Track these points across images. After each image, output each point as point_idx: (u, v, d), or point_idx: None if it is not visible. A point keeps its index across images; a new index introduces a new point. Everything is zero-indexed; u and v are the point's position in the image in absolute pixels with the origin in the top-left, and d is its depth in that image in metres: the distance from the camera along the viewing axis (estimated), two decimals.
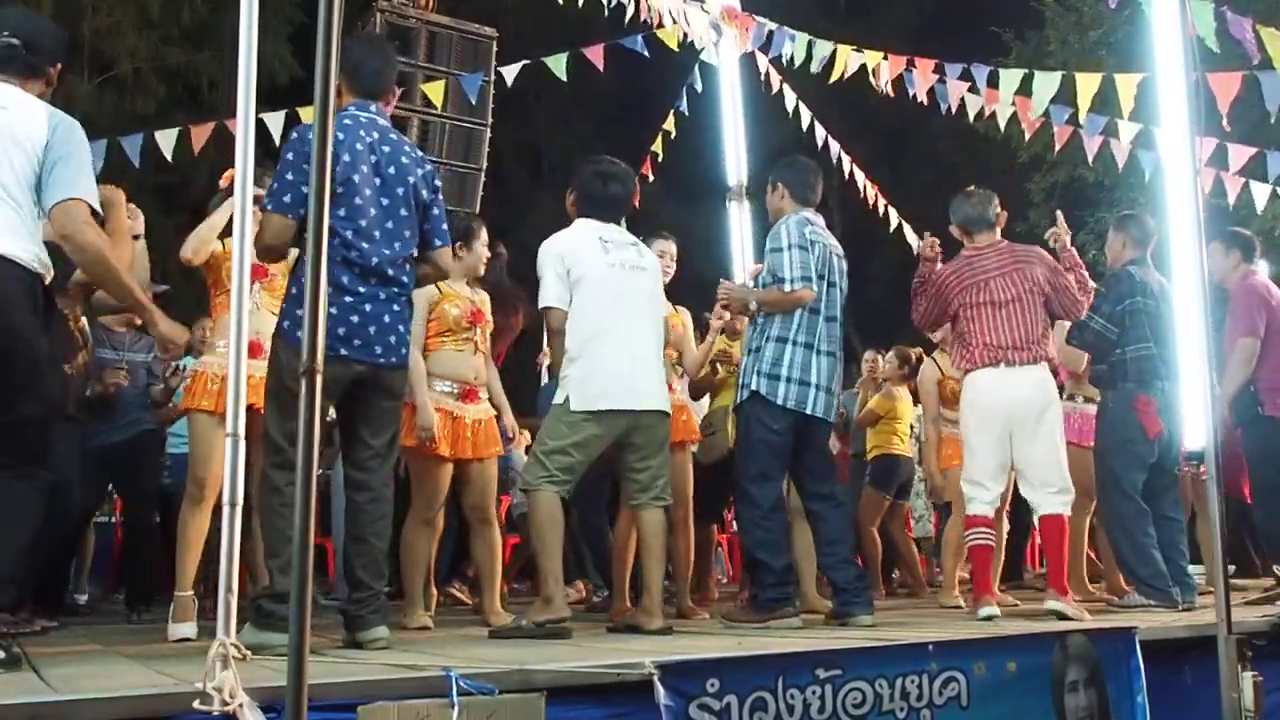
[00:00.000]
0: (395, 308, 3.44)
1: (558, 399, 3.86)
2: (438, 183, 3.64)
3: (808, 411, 4.14)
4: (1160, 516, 4.69)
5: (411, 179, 3.47)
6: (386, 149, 3.44)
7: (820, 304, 4.23)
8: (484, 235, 4.56)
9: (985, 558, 4.43)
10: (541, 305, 3.94)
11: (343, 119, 3.38)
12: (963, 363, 4.50)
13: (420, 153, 3.64)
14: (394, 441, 3.55)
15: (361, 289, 3.35)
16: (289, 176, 3.26)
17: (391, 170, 3.43)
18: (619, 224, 4.14)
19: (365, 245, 3.34)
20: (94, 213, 2.95)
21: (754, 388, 4.17)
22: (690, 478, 4.84)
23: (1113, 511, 4.68)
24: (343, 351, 3.27)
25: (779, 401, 4.12)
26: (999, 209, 4.66)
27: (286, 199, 3.25)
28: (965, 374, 4.50)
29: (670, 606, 4.75)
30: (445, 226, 3.64)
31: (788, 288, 4.15)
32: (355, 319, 3.33)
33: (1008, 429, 4.37)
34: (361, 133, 3.39)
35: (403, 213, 3.44)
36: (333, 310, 3.22)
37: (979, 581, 4.43)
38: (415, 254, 3.53)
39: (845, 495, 4.37)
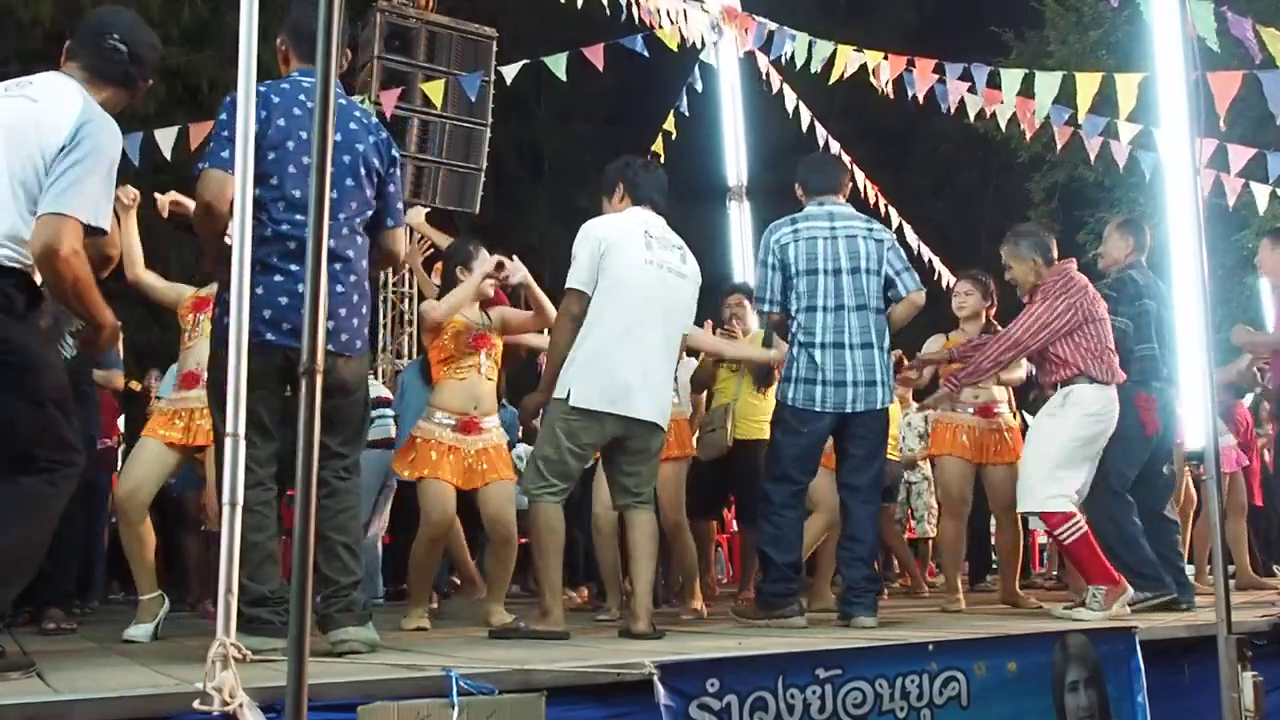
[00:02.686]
0: (338, 287, 3.13)
1: (558, 393, 3.71)
2: (395, 154, 3.36)
3: (847, 411, 4.12)
4: (1158, 518, 4.69)
5: (360, 145, 3.22)
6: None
7: (831, 298, 4.15)
8: (484, 255, 4.33)
9: (1092, 545, 4.31)
10: (568, 285, 3.75)
11: (279, 85, 3.18)
12: (1103, 374, 4.42)
13: (375, 120, 3.36)
14: (354, 441, 3.26)
15: (293, 267, 3.03)
16: (225, 134, 3.00)
17: (337, 136, 3.12)
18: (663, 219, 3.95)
19: (298, 217, 3.04)
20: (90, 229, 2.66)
21: (789, 397, 4.15)
22: (683, 490, 4.82)
23: (1098, 502, 4.68)
24: (268, 336, 2.95)
25: (816, 407, 4.10)
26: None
27: (225, 154, 2.98)
28: (1096, 384, 4.40)
29: (666, 607, 4.77)
30: (400, 205, 3.40)
31: (762, 308, 4.35)
32: (284, 300, 3.02)
33: None
34: (302, 97, 3.15)
35: (348, 182, 3.18)
36: (258, 290, 2.90)
37: (1099, 570, 4.26)
38: (364, 225, 3.26)
39: (875, 495, 4.29)
